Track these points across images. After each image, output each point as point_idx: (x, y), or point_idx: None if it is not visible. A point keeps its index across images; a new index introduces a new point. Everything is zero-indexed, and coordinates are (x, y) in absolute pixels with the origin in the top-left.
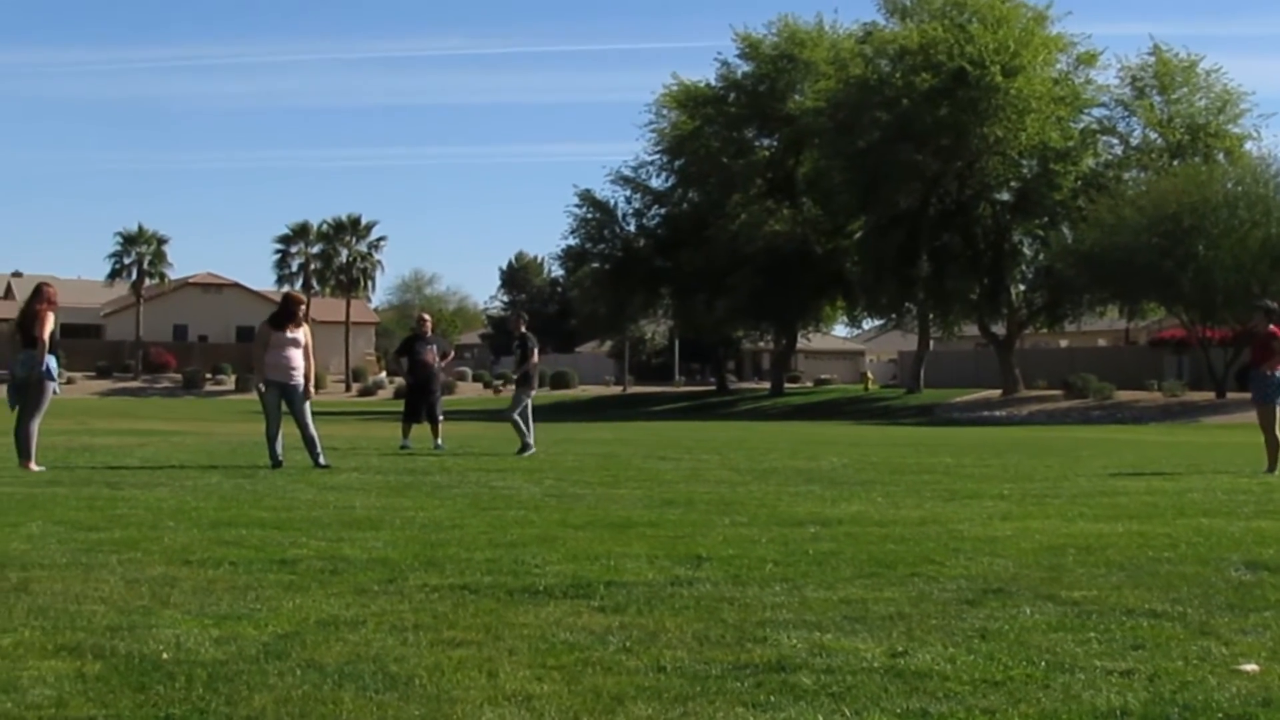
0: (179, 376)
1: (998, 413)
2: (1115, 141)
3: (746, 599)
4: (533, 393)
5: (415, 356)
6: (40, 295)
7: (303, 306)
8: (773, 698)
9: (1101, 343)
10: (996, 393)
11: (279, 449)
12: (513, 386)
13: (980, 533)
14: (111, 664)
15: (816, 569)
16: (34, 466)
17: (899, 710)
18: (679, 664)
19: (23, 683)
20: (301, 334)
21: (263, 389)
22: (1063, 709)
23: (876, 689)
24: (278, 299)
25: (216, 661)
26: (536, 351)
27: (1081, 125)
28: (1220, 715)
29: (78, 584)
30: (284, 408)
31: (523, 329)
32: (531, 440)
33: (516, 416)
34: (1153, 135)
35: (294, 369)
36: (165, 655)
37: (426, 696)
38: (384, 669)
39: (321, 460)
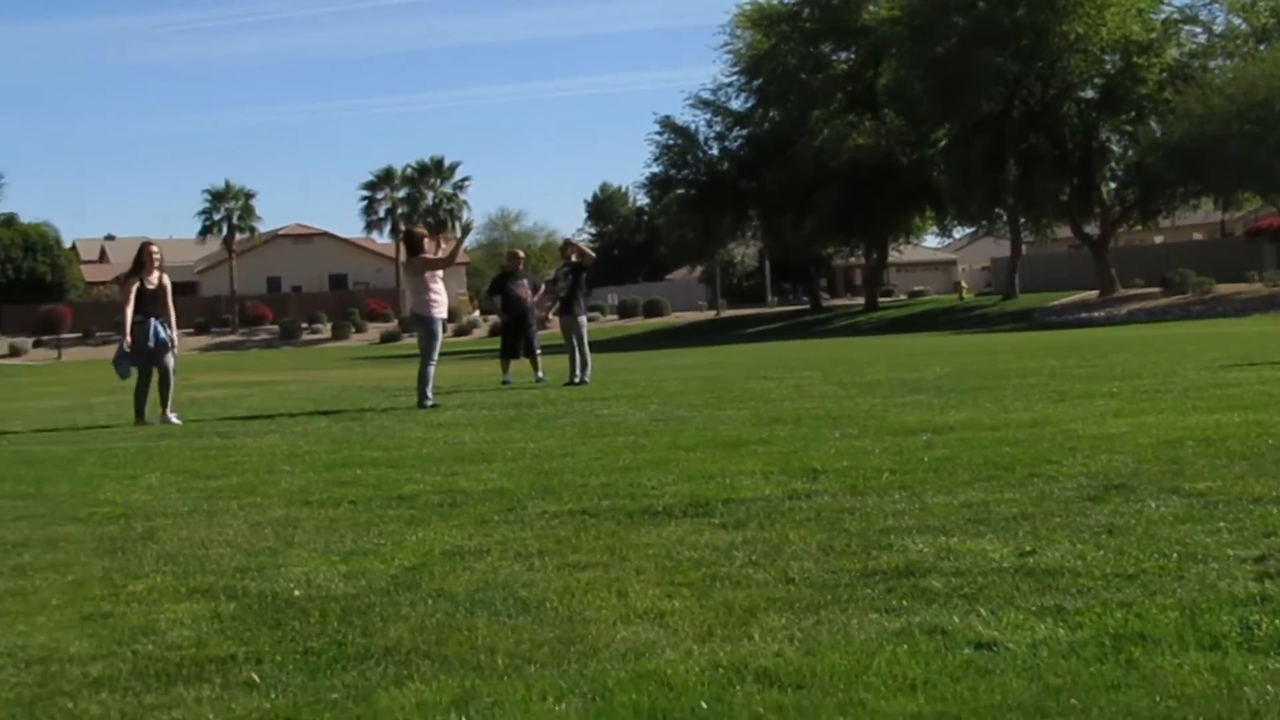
0: (276, 328)
1: (1096, 314)
2: (1199, 30)
3: (867, 508)
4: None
5: (509, 293)
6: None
7: (426, 239)
8: (905, 602)
9: (1197, 236)
10: (1094, 294)
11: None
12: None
13: (1095, 431)
14: (245, 603)
15: (933, 475)
16: (174, 419)
17: (1034, 608)
18: (807, 574)
19: (161, 625)
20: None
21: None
22: (1200, 599)
23: (1009, 588)
24: (368, 245)
25: (348, 596)
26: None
27: (1163, 16)
28: None
29: (202, 530)
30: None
31: (574, 257)
32: (576, 375)
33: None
34: (1237, 21)
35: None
36: (297, 592)
37: (559, 618)
38: (514, 594)
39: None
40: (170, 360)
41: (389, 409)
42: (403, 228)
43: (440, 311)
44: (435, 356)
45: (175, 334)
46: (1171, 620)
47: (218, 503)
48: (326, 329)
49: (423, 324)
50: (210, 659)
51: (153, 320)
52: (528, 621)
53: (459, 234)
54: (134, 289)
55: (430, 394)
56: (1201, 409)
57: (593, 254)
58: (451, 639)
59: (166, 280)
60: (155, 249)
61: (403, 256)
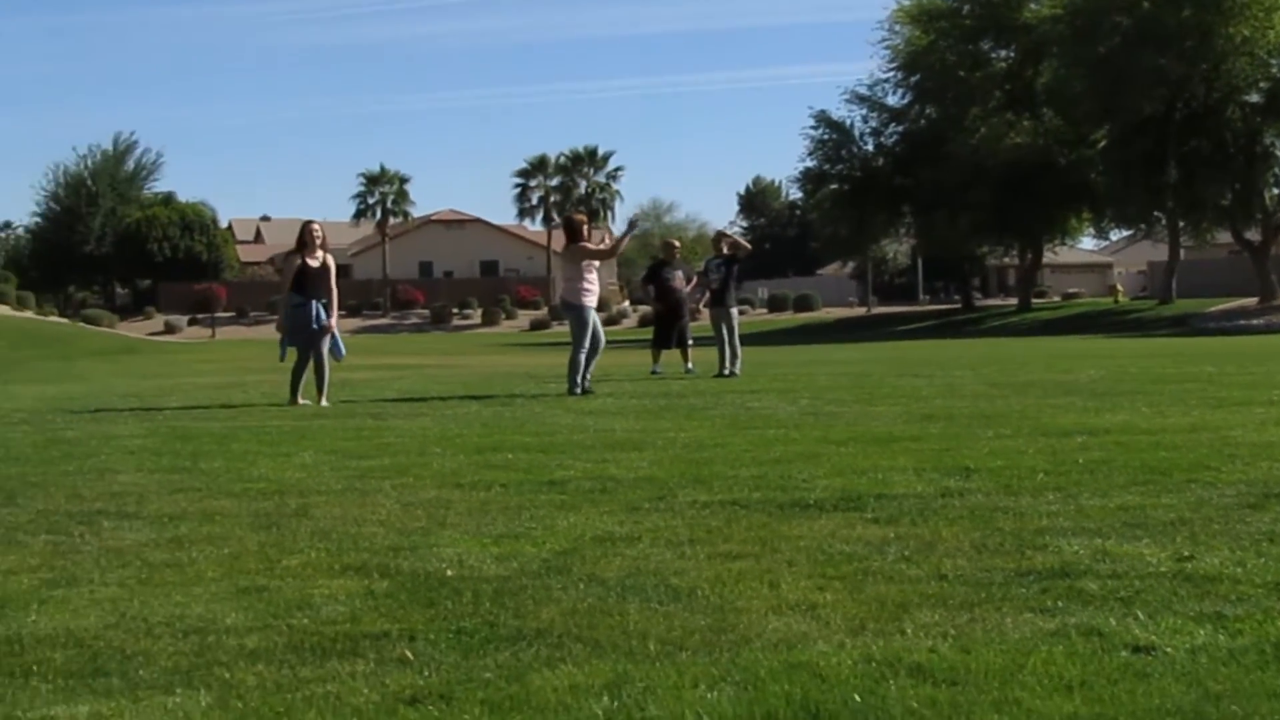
0: (427, 312)
1: (1255, 321)
2: None
3: (1020, 508)
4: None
5: (663, 283)
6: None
7: (585, 226)
8: (1060, 603)
9: None
10: (1253, 301)
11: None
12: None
13: (1255, 438)
14: (398, 581)
15: (1089, 477)
16: (323, 401)
17: (1192, 614)
18: (960, 572)
19: (315, 600)
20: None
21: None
22: None
23: (1166, 593)
24: (520, 232)
25: (500, 577)
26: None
27: None
28: None
29: (355, 508)
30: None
31: (725, 249)
32: (726, 367)
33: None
34: None
35: (590, 291)
36: (449, 572)
37: (711, 607)
38: (665, 582)
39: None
40: (328, 344)
41: (539, 395)
42: (562, 215)
43: (591, 300)
44: (586, 344)
45: (335, 318)
46: None
47: (370, 482)
48: (477, 315)
49: (573, 312)
50: (364, 635)
51: (314, 302)
52: (679, 609)
53: (625, 229)
54: (295, 268)
55: (579, 381)
56: None
57: (748, 245)
58: (603, 623)
59: (330, 260)
60: (317, 228)
61: (560, 243)
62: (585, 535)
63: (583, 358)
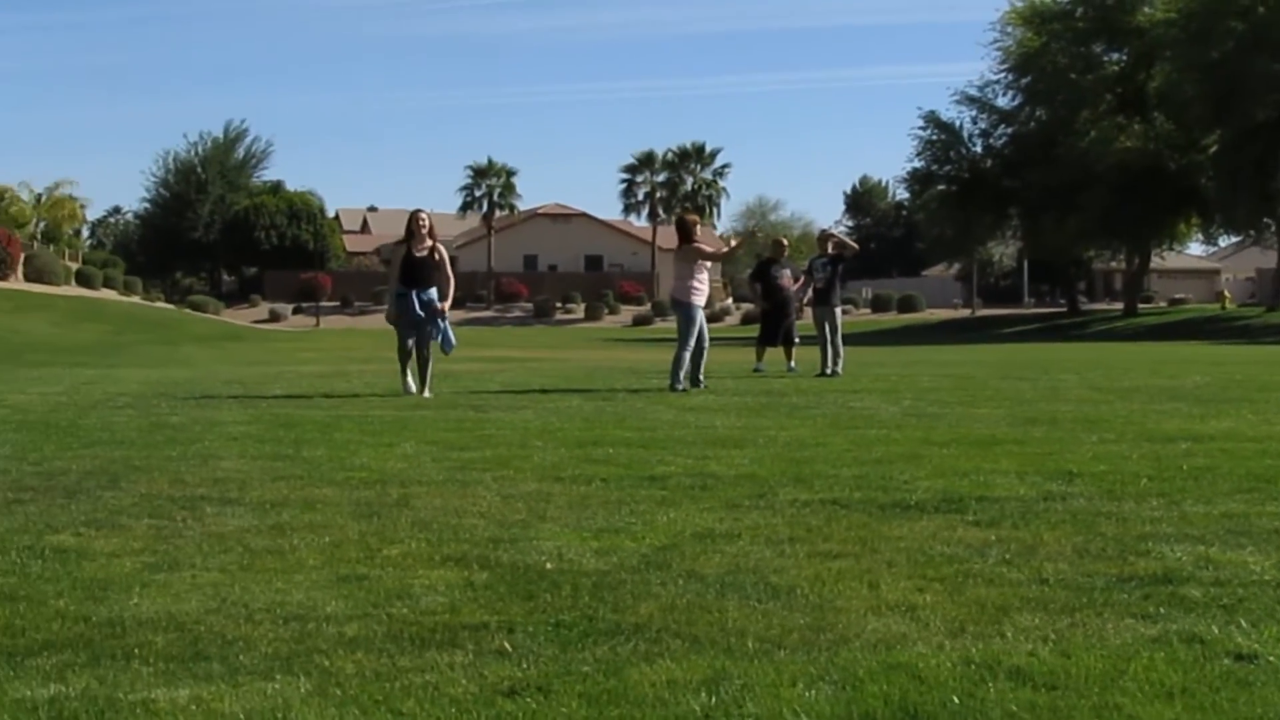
0: (530, 306)
1: None
2: None
3: (1123, 513)
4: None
5: (771, 281)
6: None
7: (698, 225)
8: (1162, 609)
9: None
10: None
11: (683, 374)
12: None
13: None
14: (497, 573)
15: (1193, 484)
16: (426, 392)
17: None
18: (1061, 576)
19: (415, 590)
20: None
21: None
22: None
23: (1270, 601)
24: (625, 228)
25: (599, 571)
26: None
27: None
28: None
29: (455, 499)
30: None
31: (831, 249)
32: (828, 366)
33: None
34: None
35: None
36: (548, 565)
37: (810, 606)
38: (764, 579)
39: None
40: (437, 337)
41: (640, 390)
42: (673, 213)
43: (700, 299)
44: (691, 343)
45: (446, 305)
46: None
47: (471, 474)
48: (580, 309)
49: (682, 309)
50: (463, 625)
51: (414, 292)
52: (778, 607)
53: (742, 234)
54: (400, 258)
55: (683, 378)
56: None
57: (855, 245)
58: (702, 619)
59: (442, 250)
60: (424, 217)
61: (669, 240)
62: (685, 531)
63: (687, 355)
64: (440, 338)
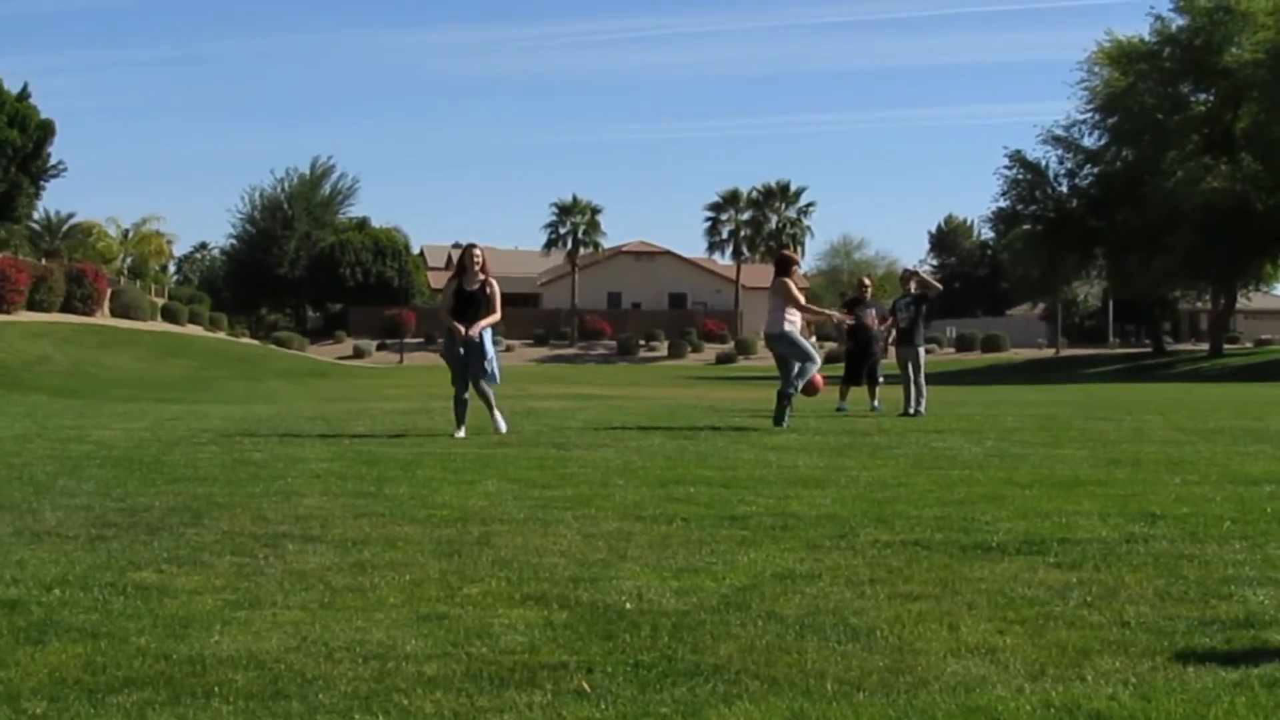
0: (613, 343)
1: None
2: None
3: (1206, 556)
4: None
5: (857, 319)
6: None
7: (796, 265)
8: (1244, 653)
9: None
10: None
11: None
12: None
13: None
14: (577, 613)
15: (1277, 527)
16: (500, 423)
17: None
18: (1143, 619)
19: (494, 629)
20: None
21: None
22: None
23: None
24: (709, 266)
25: (679, 612)
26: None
27: None
28: None
29: (536, 538)
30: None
31: (913, 288)
32: (911, 406)
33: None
34: None
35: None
36: (628, 605)
37: (889, 647)
38: (844, 621)
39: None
40: (484, 364)
41: (723, 429)
42: (772, 247)
43: (794, 330)
44: (795, 370)
45: (478, 331)
46: None
47: (552, 512)
48: (663, 347)
49: (781, 341)
50: (542, 665)
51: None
52: (857, 649)
53: (838, 322)
54: (451, 291)
55: (787, 417)
56: None
57: (939, 285)
58: (781, 661)
59: (493, 284)
60: (478, 252)
61: (755, 279)
62: (765, 572)
63: (792, 390)
64: (487, 370)
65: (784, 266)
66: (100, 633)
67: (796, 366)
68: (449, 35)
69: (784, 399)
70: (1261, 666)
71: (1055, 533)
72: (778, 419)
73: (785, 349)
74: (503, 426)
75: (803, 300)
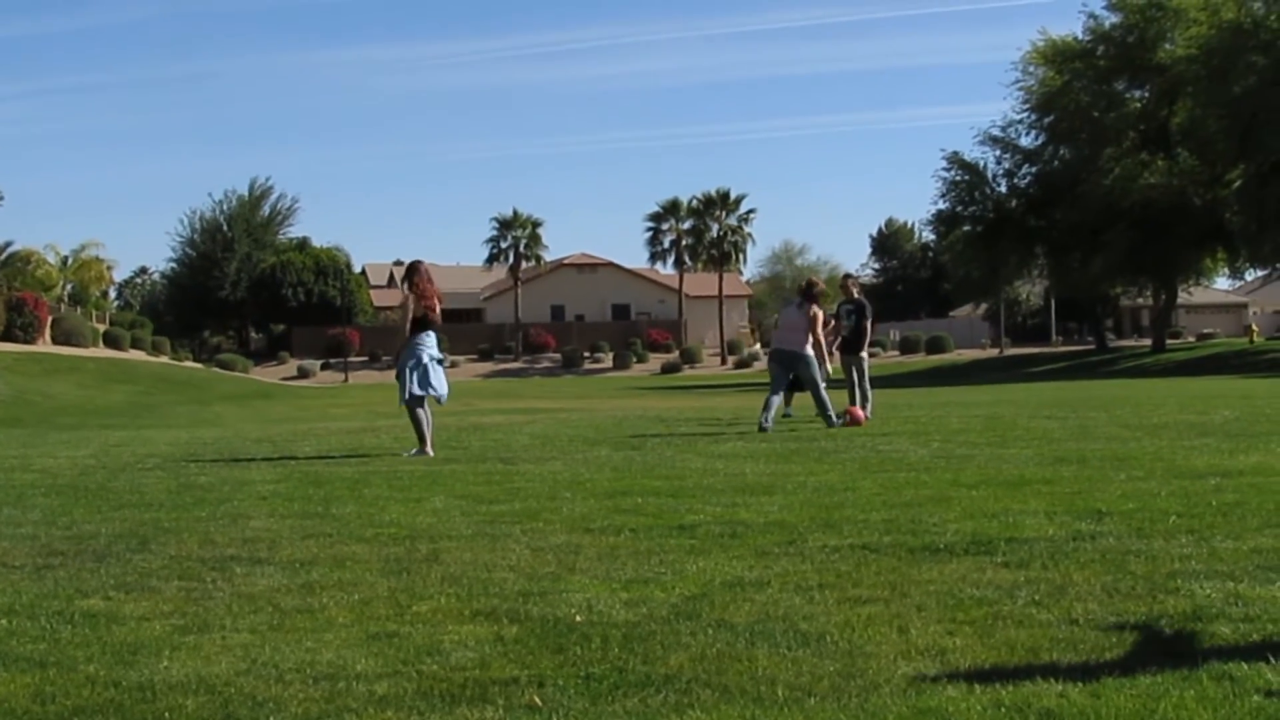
0: (558, 356)
1: None
2: None
3: (1153, 551)
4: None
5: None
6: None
7: (820, 291)
8: (1192, 647)
9: None
10: None
11: (767, 416)
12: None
13: None
14: (527, 627)
15: (1222, 520)
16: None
17: None
18: (1091, 616)
19: (445, 646)
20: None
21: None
22: None
23: None
24: (652, 276)
25: (629, 623)
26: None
27: None
28: None
29: (485, 553)
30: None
31: (854, 293)
32: (852, 411)
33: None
34: None
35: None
36: (578, 618)
37: (840, 652)
38: (794, 627)
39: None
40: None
41: (670, 439)
42: (806, 279)
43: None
44: (822, 381)
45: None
46: None
47: (500, 527)
48: (608, 358)
49: (802, 362)
50: (493, 681)
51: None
52: (808, 654)
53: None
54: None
55: (832, 413)
56: None
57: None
58: (731, 669)
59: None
60: (424, 268)
61: (700, 288)
62: (715, 580)
63: (823, 393)
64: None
65: (815, 295)
66: (49, 662)
67: (784, 380)
68: (385, 52)
69: (822, 404)
70: (1210, 659)
71: (1002, 532)
72: (764, 425)
73: (804, 370)
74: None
75: (821, 332)
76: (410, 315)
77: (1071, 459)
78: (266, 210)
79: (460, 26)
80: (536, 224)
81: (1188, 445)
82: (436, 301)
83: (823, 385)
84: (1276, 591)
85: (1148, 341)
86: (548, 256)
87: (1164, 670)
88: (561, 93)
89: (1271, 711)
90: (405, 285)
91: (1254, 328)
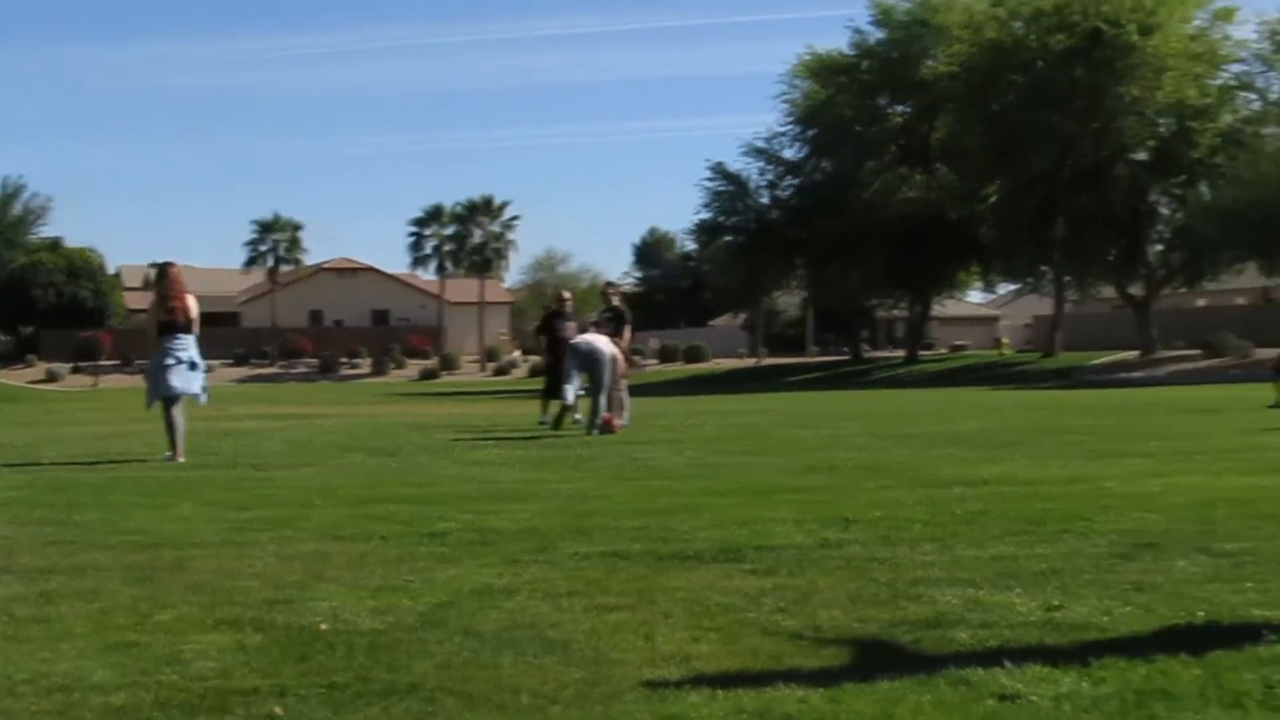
0: (315, 361)
1: (1136, 374)
2: (1254, 97)
3: (897, 559)
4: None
5: (555, 333)
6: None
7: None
8: (931, 652)
9: (1240, 301)
10: (1134, 354)
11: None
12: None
13: (1128, 490)
14: (271, 636)
15: (965, 528)
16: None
17: (1059, 662)
18: (835, 622)
19: (186, 655)
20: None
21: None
22: (1223, 657)
23: (1034, 642)
24: (413, 281)
25: (375, 631)
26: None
27: (1219, 82)
28: None
29: (232, 561)
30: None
31: (614, 301)
32: (608, 419)
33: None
34: None
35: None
36: (324, 626)
37: (586, 659)
38: (541, 634)
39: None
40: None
41: (425, 446)
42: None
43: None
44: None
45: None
46: (1194, 677)
47: (249, 534)
48: (366, 364)
49: (602, 362)
50: (234, 690)
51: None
52: (554, 661)
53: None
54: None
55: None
56: (1236, 470)
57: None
58: (477, 677)
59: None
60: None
61: (462, 294)
62: (464, 588)
63: (603, 400)
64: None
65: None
66: None
67: (576, 379)
68: (140, 50)
69: (568, 409)
70: (947, 665)
71: (752, 540)
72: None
73: (600, 370)
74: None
75: (625, 345)
76: (155, 319)
77: (823, 467)
78: (18, 209)
79: (223, 24)
80: (297, 227)
81: (936, 455)
82: (187, 304)
83: (604, 393)
84: (1014, 598)
85: (902, 352)
86: (307, 261)
87: (903, 675)
88: (324, 95)
89: (1005, 715)
90: (155, 288)
91: (1004, 340)
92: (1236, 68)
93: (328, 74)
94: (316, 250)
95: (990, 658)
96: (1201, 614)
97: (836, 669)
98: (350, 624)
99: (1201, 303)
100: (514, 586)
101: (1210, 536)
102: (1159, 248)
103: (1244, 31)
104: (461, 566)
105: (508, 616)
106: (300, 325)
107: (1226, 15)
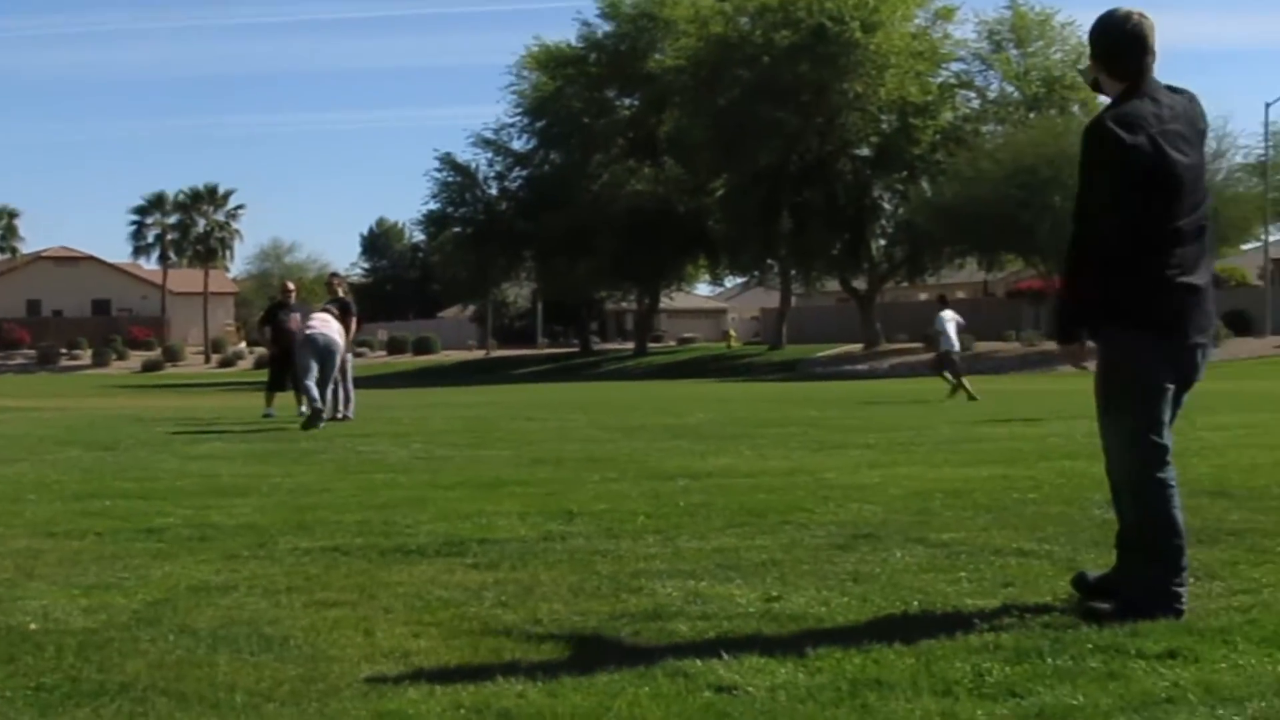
0: (33, 352)
1: (859, 366)
2: (973, 95)
3: (620, 551)
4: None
5: (279, 324)
6: None
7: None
8: (651, 645)
9: (960, 295)
10: (858, 347)
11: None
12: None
13: (848, 481)
14: None
15: (688, 520)
16: None
17: (776, 652)
18: (555, 616)
19: None
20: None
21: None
22: (936, 646)
23: (752, 632)
24: (135, 271)
25: (86, 630)
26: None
27: (940, 80)
28: (1090, 646)
29: None
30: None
31: (340, 292)
32: (339, 410)
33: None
34: (1010, 89)
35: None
36: (33, 626)
37: (303, 656)
38: (258, 631)
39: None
40: None
41: (145, 440)
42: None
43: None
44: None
45: None
46: (907, 666)
47: None
48: (87, 355)
49: (330, 352)
50: None
51: None
52: (270, 659)
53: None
54: None
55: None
56: (952, 462)
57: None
58: (191, 676)
59: None
60: None
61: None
62: (180, 585)
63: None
64: None
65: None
66: None
67: (316, 373)
68: None
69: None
70: (666, 657)
71: (475, 534)
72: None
73: (329, 360)
74: None
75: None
76: None
77: (549, 460)
78: None
79: None
80: (13, 214)
81: (661, 447)
82: None
83: (330, 385)
84: (734, 589)
85: (631, 345)
86: (24, 249)
87: (622, 669)
88: (41, 79)
89: (720, 706)
90: None
91: (732, 333)
92: (957, 66)
93: (47, 57)
94: (34, 238)
95: (709, 649)
96: (916, 604)
97: (556, 663)
98: (61, 623)
99: (924, 296)
100: (232, 583)
101: (926, 527)
102: (882, 242)
103: (964, 31)
104: (178, 563)
105: (224, 614)
106: (17, 315)
107: (947, 14)
